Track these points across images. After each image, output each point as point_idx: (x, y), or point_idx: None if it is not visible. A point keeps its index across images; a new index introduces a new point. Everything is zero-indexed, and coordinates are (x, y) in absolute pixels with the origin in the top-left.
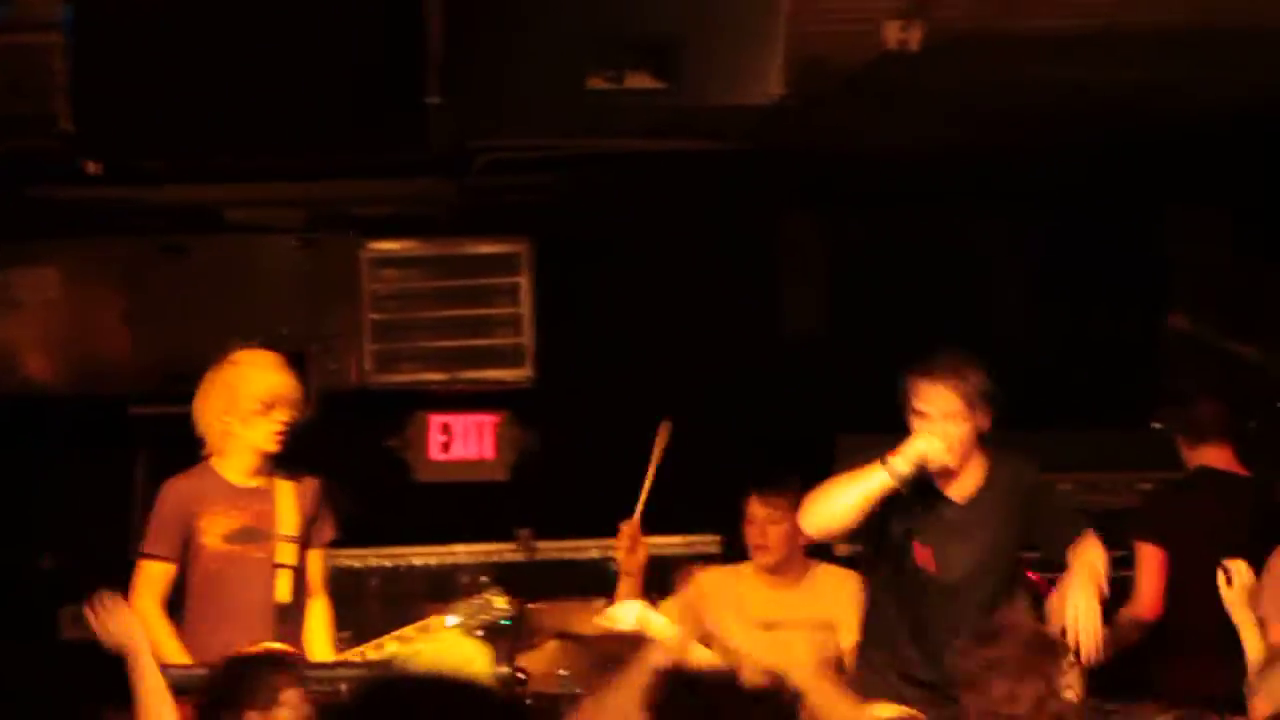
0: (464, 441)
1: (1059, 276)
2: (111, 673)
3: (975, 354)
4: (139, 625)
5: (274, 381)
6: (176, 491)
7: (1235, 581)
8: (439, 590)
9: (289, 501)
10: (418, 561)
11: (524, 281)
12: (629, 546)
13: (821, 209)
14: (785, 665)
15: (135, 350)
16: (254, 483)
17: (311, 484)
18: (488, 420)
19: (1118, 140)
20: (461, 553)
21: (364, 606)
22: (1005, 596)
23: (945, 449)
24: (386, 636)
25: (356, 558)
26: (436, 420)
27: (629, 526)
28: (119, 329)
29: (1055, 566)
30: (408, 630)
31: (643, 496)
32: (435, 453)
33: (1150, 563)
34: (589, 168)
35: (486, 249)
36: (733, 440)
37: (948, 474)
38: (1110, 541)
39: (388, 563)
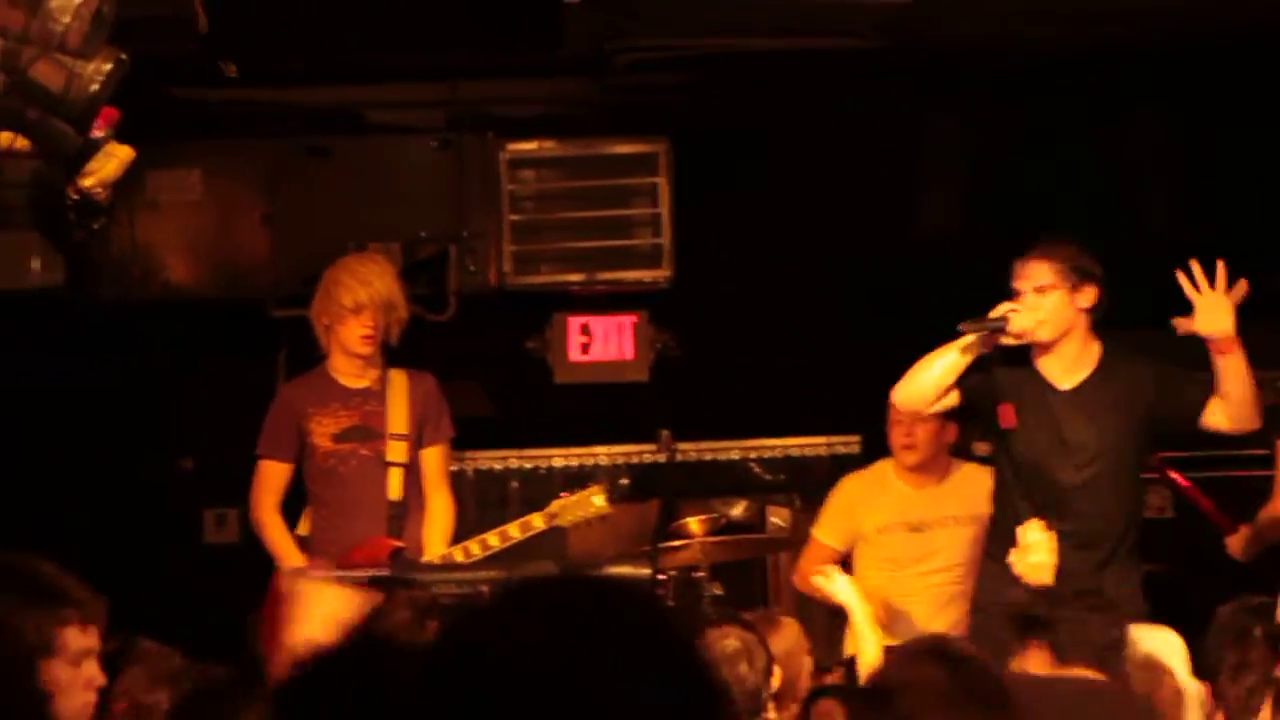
0: (603, 342)
1: (1203, 174)
2: (253, 576)
3: (1115, 253)
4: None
5: (362, 285)
6: (288, 394)
7: None
8: None
9: (400, 400)
10: (558, 463)
11: (663, 182)
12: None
13: (959, 107)
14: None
15: (276, 252)
16: (364, 383)
17: (426, 383)
18: (627, 321)
19: (1265, 37)
20: (601, 454)
21: (505, 508)
22: (1123, 491)
23: (1031, 319)
24: (489, 533)
25: (497, 459)
26: (576, 321)
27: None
28: (260, 231)
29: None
30: (509, 528)
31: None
32: (575, 354)
33: None
34: (726, 67)
35: (625, 149)
36: (870, 340)
37: (1051, 355)
38: (1253, 440)
39: (528, 464)
